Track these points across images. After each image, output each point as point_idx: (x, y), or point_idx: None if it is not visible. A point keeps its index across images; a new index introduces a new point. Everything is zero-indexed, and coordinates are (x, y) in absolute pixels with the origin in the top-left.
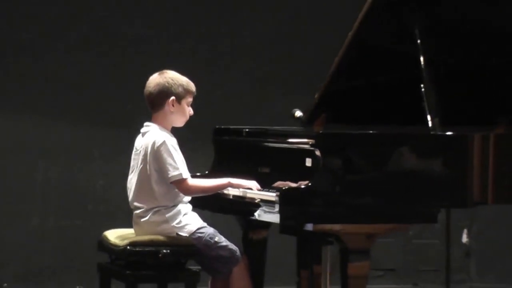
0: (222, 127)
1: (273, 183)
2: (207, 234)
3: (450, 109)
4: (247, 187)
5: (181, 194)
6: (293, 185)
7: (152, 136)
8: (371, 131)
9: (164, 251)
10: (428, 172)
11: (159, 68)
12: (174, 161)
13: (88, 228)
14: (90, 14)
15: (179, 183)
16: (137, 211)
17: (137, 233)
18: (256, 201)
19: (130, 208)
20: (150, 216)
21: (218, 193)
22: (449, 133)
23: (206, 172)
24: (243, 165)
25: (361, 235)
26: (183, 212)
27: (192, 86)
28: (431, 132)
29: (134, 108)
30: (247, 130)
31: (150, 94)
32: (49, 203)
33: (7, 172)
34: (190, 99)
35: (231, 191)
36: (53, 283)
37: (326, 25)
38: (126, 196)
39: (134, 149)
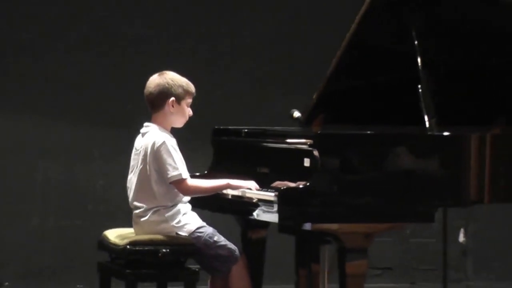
0: (221, 127)
1: (272, 183)
2: (206, 233)
3: (448, 109)
4: (246, 188)
5: (181, 194)
6: (292, 185)
7: (152, 136)
8: (368, 132)
9: (164, 250)
10: (425, 172)
11: (159, 68)
12: (174, 161)
13: (88, 227)
14: (90, 14)
15: (179, 183)
16: (137, 211)
17: (137, 233)
18: (255, 200)
19: (130, 207)
20: (149, 216)
21: (218, 193)
22: (446, 133)
23: (205, 172)
24: (242, 165)
25: (359, 235)
26: (182, 211)
27: (191, 87)
28: (428, 133)
29: (134, 108)
30: (245, 130)
31: (150, 94)
32: (49, 203)
33: (7, 172)
34: (189, 100)
35: (230, 191)
36: (53, 282)
37: (326, 25)
38: (126, 196)
39: (134, 149)
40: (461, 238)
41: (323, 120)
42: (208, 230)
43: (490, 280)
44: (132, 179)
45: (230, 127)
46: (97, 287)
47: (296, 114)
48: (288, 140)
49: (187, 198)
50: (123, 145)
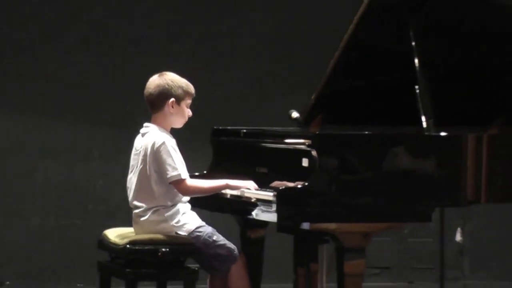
0: (220, 127)
1: (271, 183)
2: (206, 233)
3: (445, 110)
4: (245, 188)
5: (180, 194)
6: (290, 185)
7: (152, 136)
8: (366, 132)
9: (163, 249)
10: (422, 172)
11: (159, 68)
12: (174, 162)
13: (88, 227)
14: (90, 14)
15: (178, 184)
16: (137, 210)
17: (136, 232)
18: (254, 200)
19: (129, 207)
20: (149, 215)
21: (217, 192)
22: (443, 133)
23: (205, 172)
24: (241, 165)
25: (356, 234)
26: (182, 211)
27: (191, 88)
28: (426, 133)
29: (134, 108)
30: (244, 131)
31: (150, 95)
32: (49, 202)
33: (8, 172)
34: (189, 101)
35: (229, 191)
36: (53, 282)
37: (326, 25)
38: (126, 196)
39: (134, 149)
40: (458, 237)
41: (321, 120)
42: (207, 229)
43: (487, 279)
44: (132, 179)
45: (229, 128)
46: (97, 286)
47: (295, 114)
48: (287, 140)
49: (187, 198)
50: (123, 145)
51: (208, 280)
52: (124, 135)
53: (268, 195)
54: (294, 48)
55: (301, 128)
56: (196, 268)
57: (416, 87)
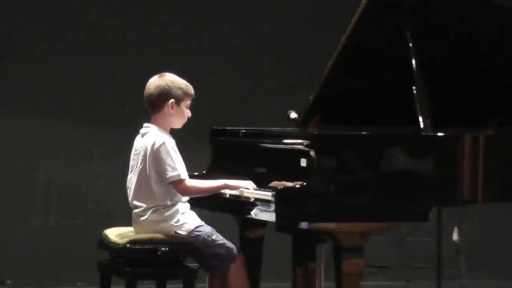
0: (219, 128)
1: (269, 183)
2: (205, 232)
3: (442, 111)
4: (244, 188)
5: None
6: (289, 184)
7: (152, 137)
8: (364, 132)
9: (163, 249)
10: (419, 172)
11: (159, 68)
12: (173, 162)
13: (88, 227)
14: (90, 14)
15: (177, 184)
16: (137, 210)
17: (136, 232)
18: (252, 200)
19: (129, 207)
20: (149, 215)
21: (216, 192)
22: (440, 134)
23: (204, 172)
24: (240, 165)
25: (354, 234)
26: (181, 211)
27: (190, 89)
28: (423, 133)
29: (134, 109)
30: (243, 131)
31: (150, 95)
32: (50, 202)
33: (8, 172)
34: (188, 102)
35: (228, 191)
36: (54, 281)
37: (326, 26)
38: (126, 196)
39: (134, 149)
40: (455, 237)
41: (319, 121)
42: (207, 229)
43: (483, 278)
44: (131, 179)
45: (227, 128)
46: (98, 285)
47: (293, 115)
48: (285, 141)
49: (186, 198)
50: (123, 145)
51: (207, 279)
52: (124, 135)
53: (267, 195)
54: (294, 48)
55: (299, 128)
56: (195, 267)
57: (413, 88)
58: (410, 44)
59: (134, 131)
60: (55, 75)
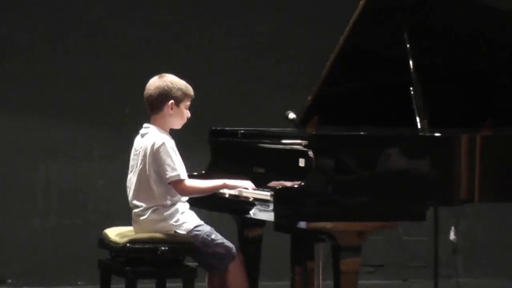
0: (218, 128)
1: (268, 182)
2: (204, 232)
3: (439, 111)
4: (243, 187)
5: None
6: (287, 184)
7: (151, 137)
8: (362, 133)
9: (163, 248)
10: (417, 172)
11: (159, 68)
12: (173, 162)
13: (88, 226)
14: (90, 14)
15: (177, 184)
16: (136, 210)
17: (136, 231)
18: (251, 200)
19: (129, 207)
20: (149, 215)
21: (215, 192)
22: (437, 134)
23: (203, 172)
24: (239, 165)
25: (352, 233)
26: (180, 210)
27: (190, 90)
28: (420, 133)
29: (134, 109)
30: (242, 131)
31: (150, 96)
32: (50, 202)
33: (8, 172)
34: (188, 103)
35: (227, 191)
36: (55, 280)
37: (326, 26)
38: (126, 196)
39: (133, 149)
40: (452, 236)
41: (317, 121)
42: (206, 228)
43: (480, 277)
44: (131, 179)
45: (226, 128)
46: (98, 284)
47: (291, 115)
48: (284, 141)
49: (185, 198)
50: (123, 145)
51: (206, 278)
52: (124, 135)
53: (266, 194)
54: (294, 48)
55: (298, 128)
56: (195, 266)
57: (411, 88)
58: (408, 45)
59: (134, 131)
60: (55, 75)
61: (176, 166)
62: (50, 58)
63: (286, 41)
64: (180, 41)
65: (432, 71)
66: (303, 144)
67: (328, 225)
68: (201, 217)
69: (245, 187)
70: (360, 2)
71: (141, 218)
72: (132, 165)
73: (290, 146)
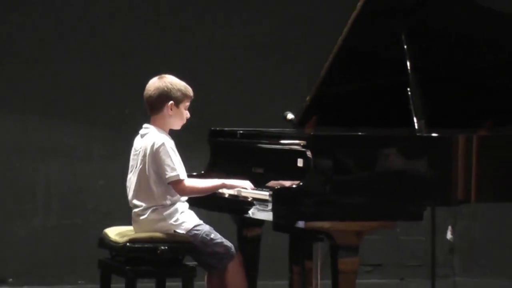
0: (217, 128)
1: (267, 182)
2: (203, 231)
3: (436, 112)
4: (242, 187)
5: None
6: (286, 184)
7: (151, 138)
8: (360, 133)
9: (162, 247)
10: (414, 172)
11: (159, 69)
12: (172, 163)
13: (88, 226)
14: (90, 14)
15: (176, 184)
16: (136, 209)
17: (136, 231)
18: (250, 200)
19: (129, 206)
20: (148, 214)
21: (214, 192)
22: (434, 134)
23: (202, 172)
24: (238, 165)
25: (350, 232)
26: (180, 210)
27: (190, 90)
28: (417, 134)
29: (134, 109)
30: (241, 131)
31: (150, 97)
32: (51, 202)
33: (8, 172)
34: (187, 103)
35: (227, 191)
36: (55, 279)
37: (326, 26)
38: (126, 196)
39: (133, 150)
40: (449, 236)
41: (315, 122)
42: (205, 228)
43: (477, 277)
44: (131, 179)
45: (226, 129)
46: (98, 283)
47: (290, 116)
48: (282, 141)
49: (185, 197)
50: (123, 145)
51: (205, 277)
52: (124, 135)
53: (264, 194)
54: (294, 48)
55: (296, 129)
56: (194, 266)
57: (408, 89)
58: (405, 46)
59: (134, 132)
60: (55, 75)
61: (176, 166)
62: (50, 58)
63: (286, 41)
64: (180, 41)
65: (432, 71)
66: (302, 144)
67: (326, 224)
68: (200, 216)
69: (244, 187)
70: (358, 3)
71: (141, 217)
72: (132, 165)
73: (288, 146)
